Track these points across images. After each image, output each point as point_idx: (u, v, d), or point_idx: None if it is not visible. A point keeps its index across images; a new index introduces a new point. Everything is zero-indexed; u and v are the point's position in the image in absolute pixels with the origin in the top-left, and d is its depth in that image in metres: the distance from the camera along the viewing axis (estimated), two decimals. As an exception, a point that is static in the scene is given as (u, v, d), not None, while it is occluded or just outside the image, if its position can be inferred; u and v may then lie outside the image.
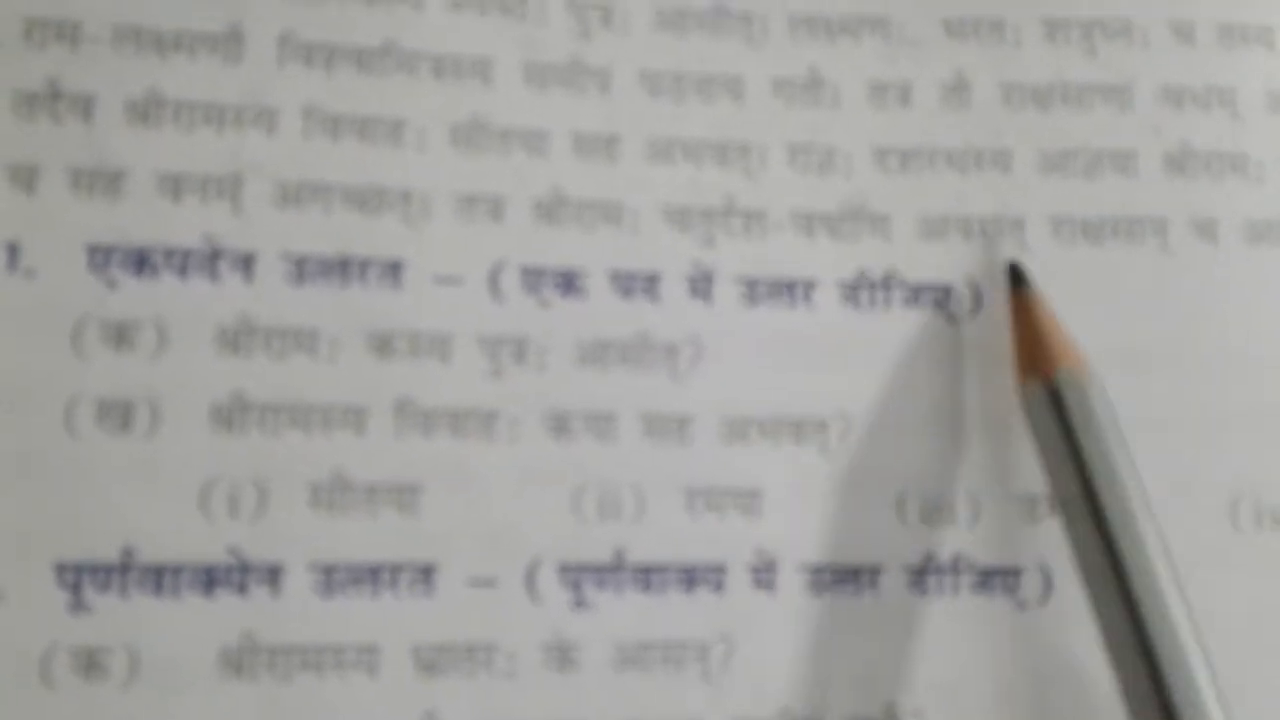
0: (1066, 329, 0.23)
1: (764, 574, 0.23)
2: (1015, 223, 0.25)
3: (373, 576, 0.22)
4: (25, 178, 0.22)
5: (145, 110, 0.23)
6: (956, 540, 0.23)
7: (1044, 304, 0.24)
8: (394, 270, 0.23)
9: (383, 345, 0.22)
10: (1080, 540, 0.22)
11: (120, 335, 0.22)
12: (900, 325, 0.24)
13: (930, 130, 0.25)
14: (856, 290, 0.24)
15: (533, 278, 0.23)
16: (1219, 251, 0.25)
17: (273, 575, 0.22)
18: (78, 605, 0.21)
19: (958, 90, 0.25)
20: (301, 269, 0.22)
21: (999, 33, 0.26)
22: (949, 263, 0.25)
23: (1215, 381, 0.24)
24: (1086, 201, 0.25)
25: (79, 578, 0.21)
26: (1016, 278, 0.24)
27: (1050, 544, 0.23)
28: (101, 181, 0.22)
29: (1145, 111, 0.25)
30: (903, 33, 0.25)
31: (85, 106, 0.22)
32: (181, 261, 0.22)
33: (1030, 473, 0.24)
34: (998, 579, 0.23)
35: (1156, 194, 0.25)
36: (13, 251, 0.22)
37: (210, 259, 0.22)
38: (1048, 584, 0.23)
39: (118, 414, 0.22)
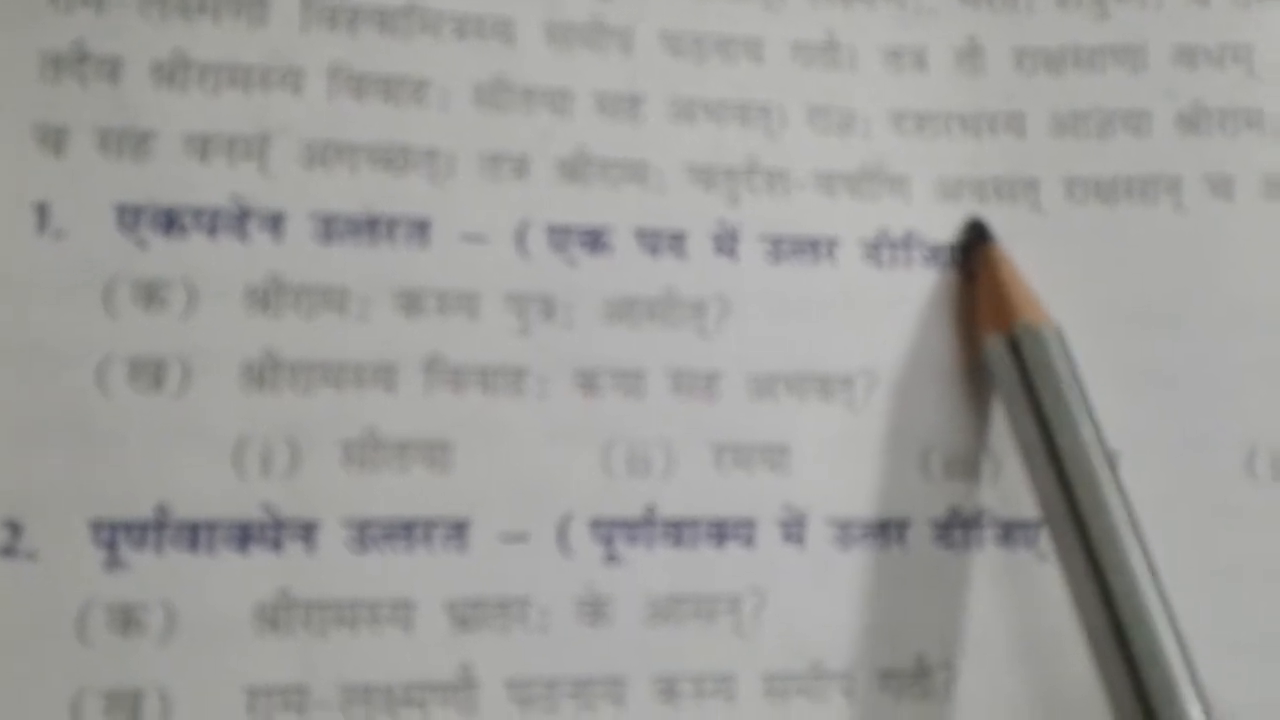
0: (1029, 284, 0.24)
1: (793, 528, 0.23)
2: (1029, 184, 0.25)
3: (406, 532, 0.22)
4: (54, 139, 0.22)
5: (172, 72, 0.23)
6: (980, 494, 0.24)
7: (1007, 259, 0.24)
8: (421, 228, 0.23)
9: (411, 303, 0.23)
10: (1041, 489, 0.22)
11: (151, 294, 0.22)
12: (921, 283, 0.24)
13: (945, 94, 0.25)
14: (878, 249, 0.24)
15: (559, 235, 0.23)
16: (1235, 208, 0.25)
17: (307, 531, 0.22)
18: (113, 562, 0.21)
19: (971, 55, 0.26)
20: (330, 228, 0.23)
21: (1011, -3, 0.26)
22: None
23: (1232, 336, 0.25)
24: (1099, 162, 0.25)
25: (114, 535, 0.21)
26: (980, 233, 0.25)
27: (1071, 497, 0.24)
28: (129, 142, 0.22)
29: (1159, 72, 0.26)
30: (917, -2, 0.26)
31: (112, 68, 0.22)
32: (210, 221, 0.22)
33: (1051, 428, 0.24)
34: (1019, 532, 0.24)
35: (1170, 153, 0.25)
36: (43, 212, 0.22)
37: (239, 218, 0.22)
38: (1069, 537, 0.24)
39: (150, 373, 0.22)
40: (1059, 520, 0.22)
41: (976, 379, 0.24)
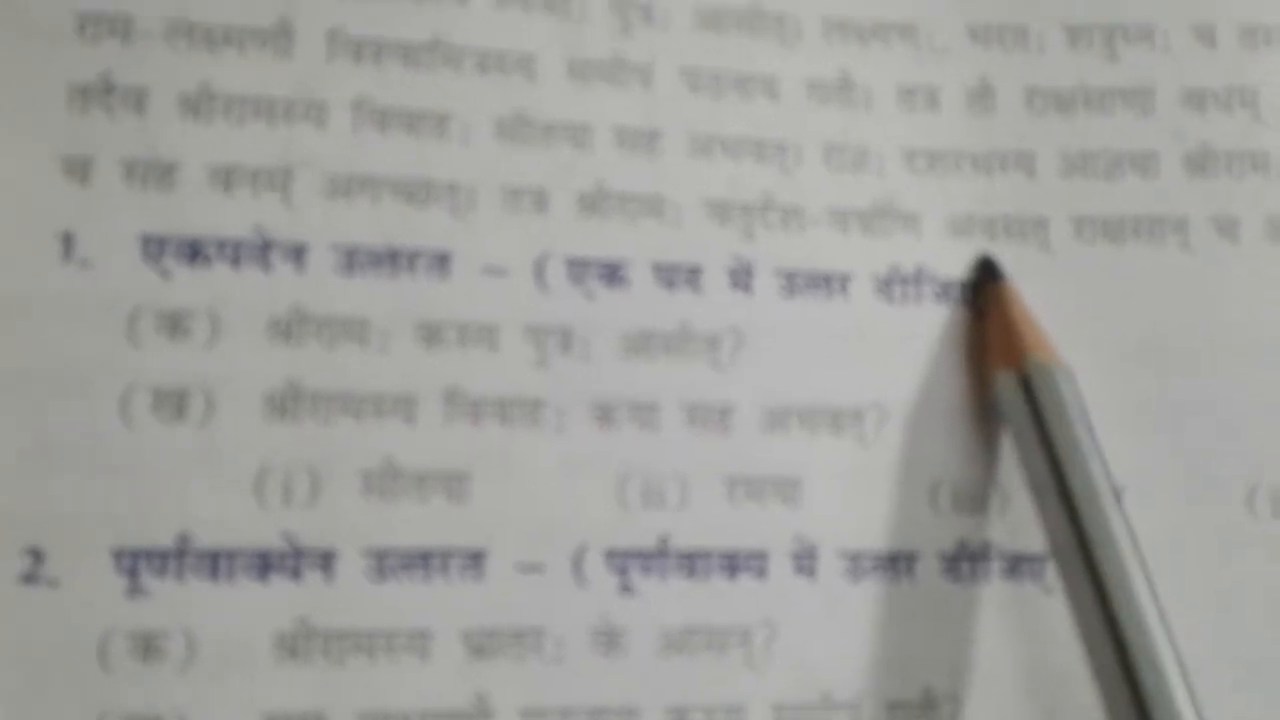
0: (1038, 321, 0.24)
1: (805, 560, 0.23)
2: (1039, 223, 0.25)
3: (424, 562, 0.22)
4: (80, 169, 0.22)
5: (197, 104, 0.23)
6: (987, 528, 0.24)
7: (1018, 297, 0.24)
8: (442, 261, 0.23)
9: (431, 335, 0.23)
10: (1050, 524, 0.23)
11: (175, 324, 0.22)
12: (931, 319, 0.25)
13: (956, 133, 0.26)
14: (889, 284, 0.25)
15: (577, 269, 0.24)
16: (1240, 250, 0.25)
17: (326, 561, 0.22)
18: (135, 590, 0.21)
19: (982, 95, 0.26)
20: (352, 260, 0.23)
21: (1022, 38, 0.26)
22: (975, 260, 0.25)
23: (1235, 375, 0.25)
24: (1108, 202, 0.26)
25: (136, 563, 0.21)
26: (991, 271, 0.25)
27: (1077, 532, 0.24)
28: (155, 173, 0.22)
29: (1166, 114, 0.26)
30: (930, 39, 0.26)
31: (138, 100, 0.23)
32: (234, 252, 0.22)
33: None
34: (1025, 566, 0.24)
35: (1177, 194, 0.26)
36: (68, 242, 0.22)
37: (262, 249, 0.23)
38: (1074, 571, 0.24)
39: (173, 402, 0.22)
40: (1067, 554, 0.22)
41: (985, 414, 0.24)
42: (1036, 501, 0.23)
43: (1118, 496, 0.22)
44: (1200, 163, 0.26)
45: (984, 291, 0.25)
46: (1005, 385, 0.24)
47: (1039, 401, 0.23)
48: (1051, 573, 0.24)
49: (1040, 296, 0.25)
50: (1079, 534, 0.22)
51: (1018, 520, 0.24)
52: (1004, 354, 0.24)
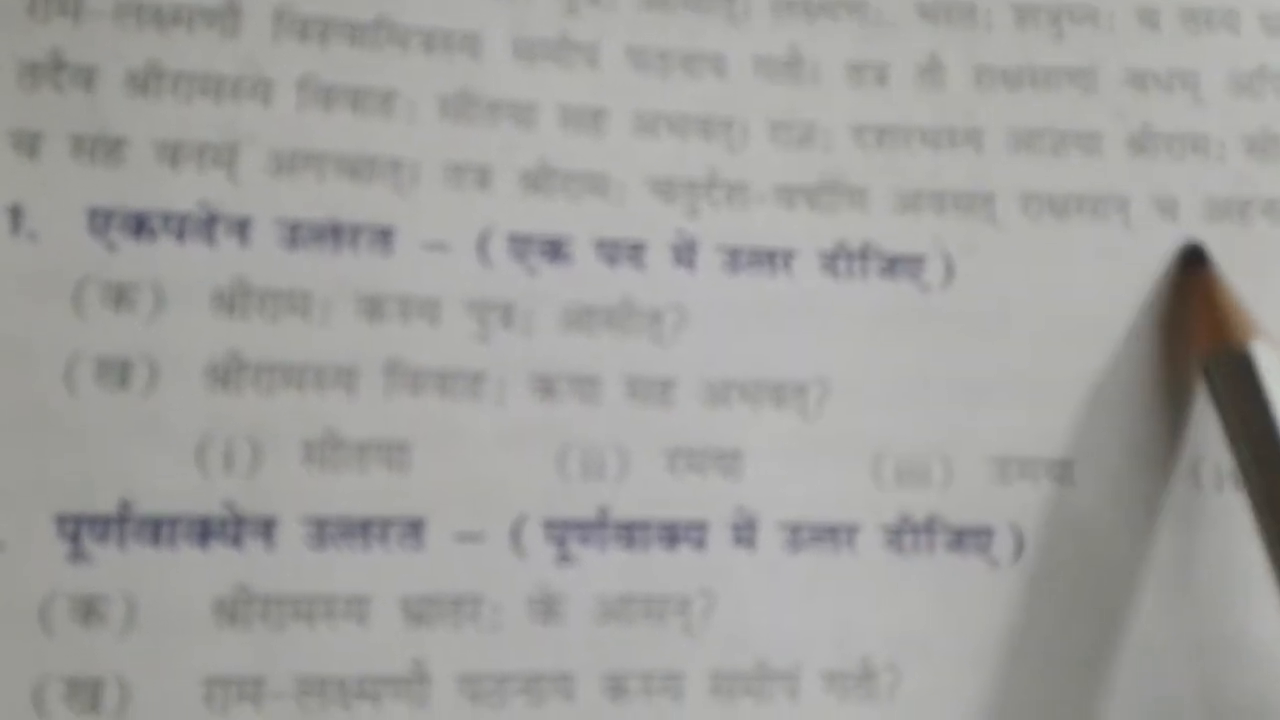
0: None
1: (744, 531, 0.23)
2: (986, 198, 0.26)
3: (363, 530, 0.22)
4: (28, 144, 0.23)
5: (145, 81, 0.23)
6: (931, 501, 0.24)
7: (1227, 281, 0.25)
8: (384, 236, 0.23)
9: (373, 308, 0.23)
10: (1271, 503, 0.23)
11: (119, 296, 0.22)
12: (877, 294, 0.25)
13: (905, 109, 0.26)
14: (835, 260, 0.25)
15: (520, 245, 0.24)
16: (1178, 228, 0.26)
17: (266, 528, 0.22)
18: (77, 555, 0.22)
19: (931, 71, 0.26)
20: (295, 234, 0.23)
21: (970, 17, 0.27)
22: (923, 235, 0.25)
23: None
24: (1053, 179, 0.26)
25: (78, 528, 0.22)
26: (1198, 258, 0.25)
27: (1021, 504, 0.24)
28: (102, 148, 0.23)
29: (1109, 94, 0.26)
30: (879, 15, 0.26)
31: (87, 77, 0.23)
32: (179, 226, 0.23)
33: (1001, 435, 0.24)
34: (971, 538, 0.24)
35: (1119, 173, 0.26)
36: (16, 215, 0.22)
37: (207, 224, 0.23)
38: (1019, 544, 0.24)
39: (116, 372, 0.22)
40: None
41: (930, 387, 0.25)
42: (1251, 481, 0.23)
43: None
44: (1141, 143, 0.26)
45: (1188, 276, 0.25)
46: (1224, 365, 0.24)
47: (1265, 384, 0.23)
48: (998, 546, 0.24)
49: (987, 270, 0.25)
50: None
51: (962, 493, 0.24)
52: (1218, 336, 0.24)
